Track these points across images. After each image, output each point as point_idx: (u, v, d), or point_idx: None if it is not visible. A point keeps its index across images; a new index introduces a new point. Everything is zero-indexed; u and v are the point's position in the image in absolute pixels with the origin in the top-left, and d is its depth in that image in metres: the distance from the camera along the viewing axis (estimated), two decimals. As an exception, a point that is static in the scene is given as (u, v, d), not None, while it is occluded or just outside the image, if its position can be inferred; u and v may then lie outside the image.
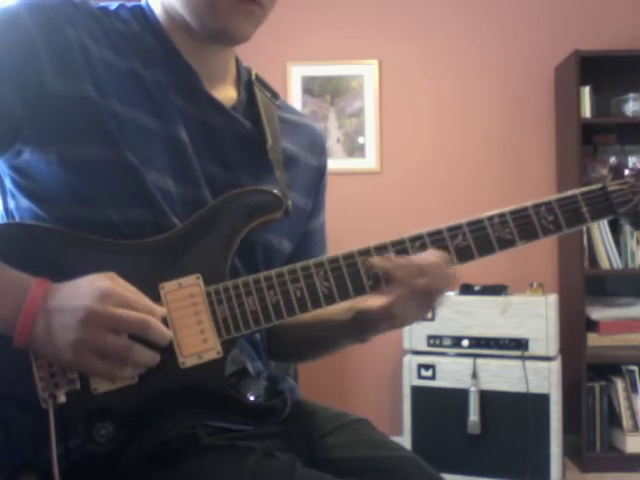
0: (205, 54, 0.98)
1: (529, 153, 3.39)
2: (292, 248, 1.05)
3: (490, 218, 0.91)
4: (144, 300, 0.81)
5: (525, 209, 0.91)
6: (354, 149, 3.45)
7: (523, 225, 0.91)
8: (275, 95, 1.08)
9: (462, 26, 3.41)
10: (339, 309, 0.98)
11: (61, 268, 0.82)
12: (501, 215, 0.91)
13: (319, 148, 1.13)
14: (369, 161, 3.44)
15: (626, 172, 0.93)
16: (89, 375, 0.81)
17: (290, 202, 0.97)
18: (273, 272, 0.87)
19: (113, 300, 0.78)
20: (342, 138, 3.44)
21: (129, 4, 0.99)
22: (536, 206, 0.91)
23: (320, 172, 1.13)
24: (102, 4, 0.96)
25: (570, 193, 0.92)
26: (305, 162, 1.09)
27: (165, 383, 0.83)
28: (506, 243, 0.91)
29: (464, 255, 0.90)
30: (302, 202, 1.08)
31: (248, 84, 1.05)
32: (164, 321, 0.82)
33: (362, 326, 0.97)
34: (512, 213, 0.91)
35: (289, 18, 3.31)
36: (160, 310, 0.82)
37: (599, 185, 0.93)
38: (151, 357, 0.81)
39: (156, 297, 0.84)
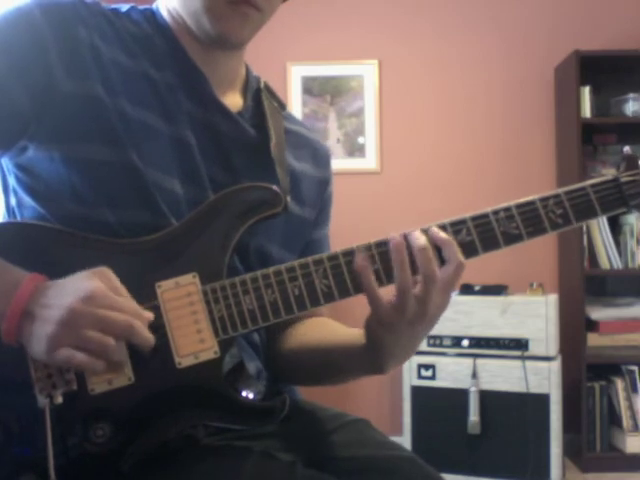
0: (213, 58, 0.98)
1: (529, 153, 3.38)
2: (294, 258, 1.03)
3: (495, 212, 0.87)
4: (130, 303, 0.80)
5: (532, 202, 0.87)
6: (354, 149, 3.45)
7: (530, 219, 0.86)
8: (282, 106, 1.08)
9: (462, 26, 3.40)
10: (357, 335, 0.93)
11: (59, 267, 0.81)
12: (507, 209, 0.87)
13: (324, 161, 1.13)
14: (369, 161, 3.43)
15: None
16: (63, 368, 0.79)
17: (289, 199, 0.96)
18: (271, 270, 0.86)
19: (98, 301, 0.76)
20: (342, 138, 3.44)
21: (140, 7, 1.00)
22: (544, 199, 0.87)
23: (324, 183, 1.12)
24: (114, 6, 0.97)
25: (579, 185, 0.87)
26: (309, 175, 1.09)
27: (162, 384, 0.83)
28: (512, 238, 0.86)
29: (468, 250, 0.86)
30: (306, 212, 1.07)
31: (256, 92, 1.05)
32: (154, 324, 0.81)
33: (376, 343, 0.89)
34: (518, 207, 0.87)
35: (289, 18, 3.31)
36: (146, 314, 0.81)
37: (611, 176, 0.88)
38: (124, 354, 0.78)
39: (153, 296, 0.83)
